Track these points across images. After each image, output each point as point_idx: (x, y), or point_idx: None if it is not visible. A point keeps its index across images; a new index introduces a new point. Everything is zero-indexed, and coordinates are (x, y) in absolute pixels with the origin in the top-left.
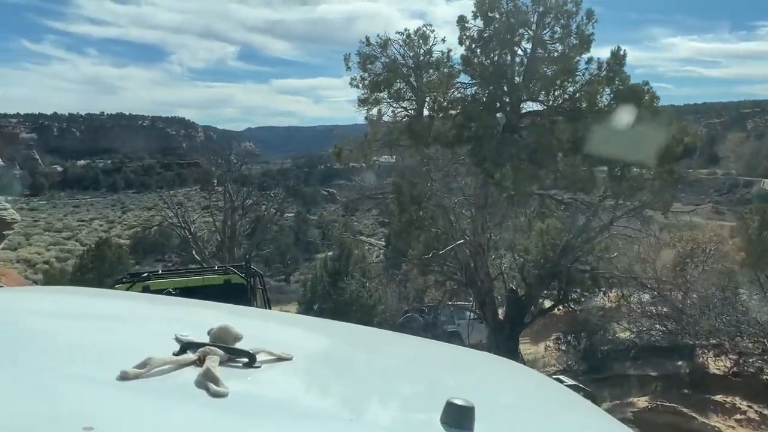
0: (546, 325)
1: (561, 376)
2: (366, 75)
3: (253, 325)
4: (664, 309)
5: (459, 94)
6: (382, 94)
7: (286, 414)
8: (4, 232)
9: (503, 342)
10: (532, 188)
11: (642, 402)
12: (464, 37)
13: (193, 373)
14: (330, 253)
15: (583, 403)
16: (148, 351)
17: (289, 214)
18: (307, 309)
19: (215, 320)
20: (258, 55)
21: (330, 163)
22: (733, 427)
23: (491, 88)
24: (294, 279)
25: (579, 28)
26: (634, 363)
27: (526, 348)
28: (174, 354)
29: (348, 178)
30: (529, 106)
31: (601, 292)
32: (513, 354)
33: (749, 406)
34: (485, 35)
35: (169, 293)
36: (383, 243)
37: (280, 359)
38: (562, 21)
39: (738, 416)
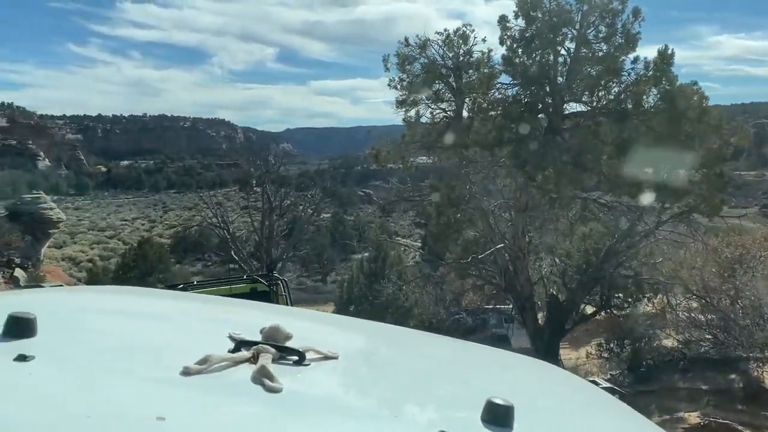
0: (586, 330)
1: (596, 379)
2: (404, 76)
3: (301, 324)
4: (713, 318)
5: (500, 95)
6: (420, 95)
7: (335, 410)
8: (50, 231)
9: (543, 348)
10: (575, 191)
11: (693, 418)
12: (505, 37)
13: (248, 369)
14: (366, 254)
15: (618, 406)
16: (204, 348)
17: (325, 215)
18: (343, 310)
19: (263, 320)
20: (296, 56)
21: (367, 164)
22: None
23: (533, 88)
24: (330, 279)
25: (625, 27)
26: (683, 375)
27: (565, 353)
28: (229, 351)
29: (385, 180)
30: (572, 108)
31: (645, 299)
32: (553, 361)
33: None
34: (527, 35)
35: None
36: (419, 244)
37: (327, 358)
38: (608, 20)
39: None
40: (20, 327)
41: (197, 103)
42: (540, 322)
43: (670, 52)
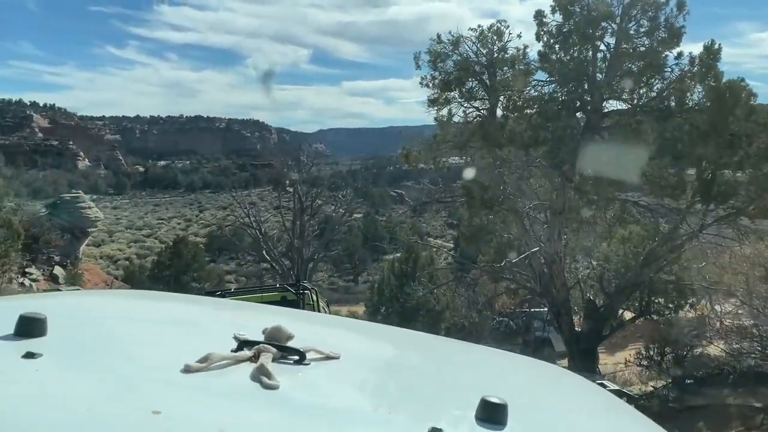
0: (623, 336)
1: (604, 381)
2: (437, 74)
3: (305, 326)
4: (762, 327)
5: (535, 93)
6: (453, 93)
7: (330, 407)
8: (89, 230)
9: (579, 355)
10: (614, 193)
11: None
12: (542, 32)
13: (249, 368)
14: (398, 255)
15: (622, 407)
16: (209, 349)
17: (357, 215)
18: (374, 311)
19: (271, 322)
20: (329, 57)
21: (399, 165)
22: None
23: (570, 85)
24: (362, 280)
25: (668, 21)
26: (733, 390)
27: (600, 358)
28: (232, 351)
29: (417, 180)
30: (612, 105)
31: (687, 305)
32: (590, 369)
33: None
34: (564, 30)
35: None
36: (451, 245)
37: (328, 358)
38: (650, 13)
39: None
40: (31, 327)
41: (232, 104)
42: (576, 327)
43: (716, 47)
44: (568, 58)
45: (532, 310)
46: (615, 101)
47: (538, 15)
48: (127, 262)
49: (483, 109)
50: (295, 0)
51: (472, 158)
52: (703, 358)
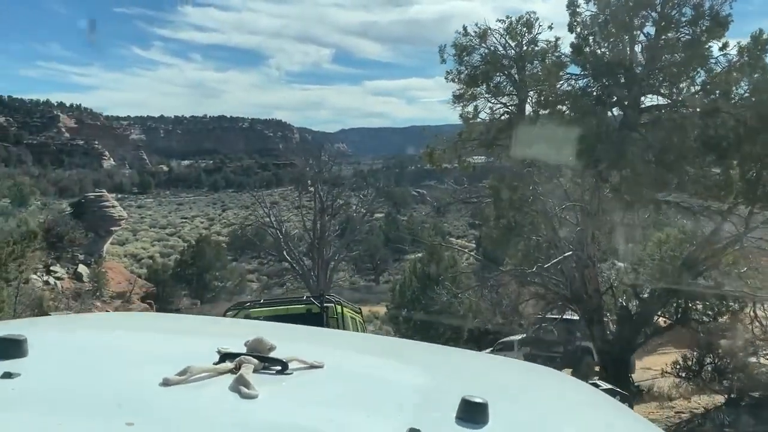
0: (659, 343)
1: (597, 380)
2: (462, 68)
3: (290, 337)
4: None
5: (568, 87)
6: (479, 89)
7: (310, 414)
8: (112, 228)
9: (612, 364)
10: (656, 194)
11: None
12: (575, 23)
13: (229, 379)
14: (420, 255)
15: (610, 403)
16: (192, 363)
17: (378, 215)
18: (395, 314)
19: (255, 335)
20: (351, 57)
21: (420, 164)
22: None
23: (606, 79)
24: (383, 279)
25: (713, 9)
26: None
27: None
28: (214, 364)
29: (439, 179)
30: (651, 100)
31: (729, 312)
32: (623, 378)
33: None
34: (600, 20)
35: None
36: (473, 245)
37: (312, 367)
38: (694, 0)
39: None
40: (10, 348)
41: (255, 104)
42: (609, 336)
43: (765, 37)
44: (604, 50)
45: (566, 317)
46: (654, 96)
47: (571, 4)
48: (151, 261)
49: (511, 105)
50: (317, 0)
51: (498, 157)
52: (747, 366)
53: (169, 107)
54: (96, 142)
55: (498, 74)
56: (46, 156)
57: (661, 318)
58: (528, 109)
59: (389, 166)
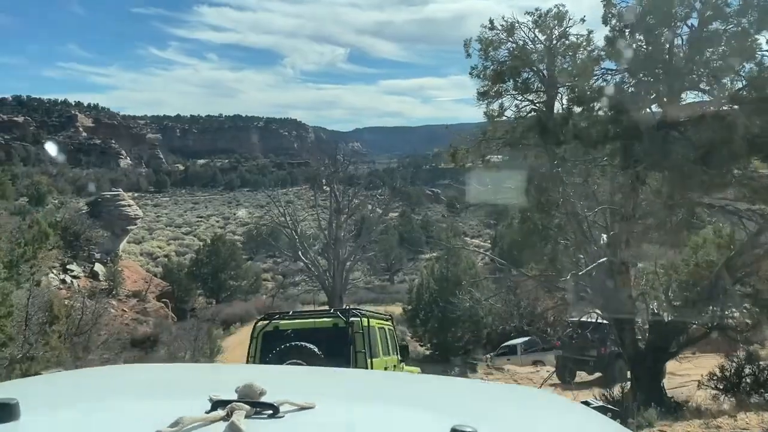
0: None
1: (589, 399)
2: (488, 63)
3: (279, 379)
4: None
5: (603, 83)
6: (506, 85)
7: None
8: (128, 227)
9: (644, 374)
10: (700, 197)
11: None
12: (609, 14)
13: (222, 427)
14: (435, 254)
15: (602, 423)
16: (184, 413)
17: (393, 214)
18: (413, 317)
19: (245, 380)
20: (366, 56)
21: (435, 163)
22: None
23: (643, 74)
24: (398, 279)
25: None
26: None
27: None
28: (206, 412)
29: (453, 178)
30: (692, 97)
31: None
32: (656, 389)
33: None
34: (638, 11)
35: (288, 336)
36: (488, 245)
37: (302, 408)
38: None
39: None
40: (2, 412)
41: (270, 104)
42: (641, 345)
43: None
44: (642, 43)
45: (585, 320)
46: (696, 92)
47: None
48: (166, 260)
49: (538, 102)
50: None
51: (525, 156)
52: None
53: (185, 106)
54: (113, 142)
55: (526, 70)
56: (64, 155)
57: (695, 325)
58: (557, 106)
59: (404, 165)
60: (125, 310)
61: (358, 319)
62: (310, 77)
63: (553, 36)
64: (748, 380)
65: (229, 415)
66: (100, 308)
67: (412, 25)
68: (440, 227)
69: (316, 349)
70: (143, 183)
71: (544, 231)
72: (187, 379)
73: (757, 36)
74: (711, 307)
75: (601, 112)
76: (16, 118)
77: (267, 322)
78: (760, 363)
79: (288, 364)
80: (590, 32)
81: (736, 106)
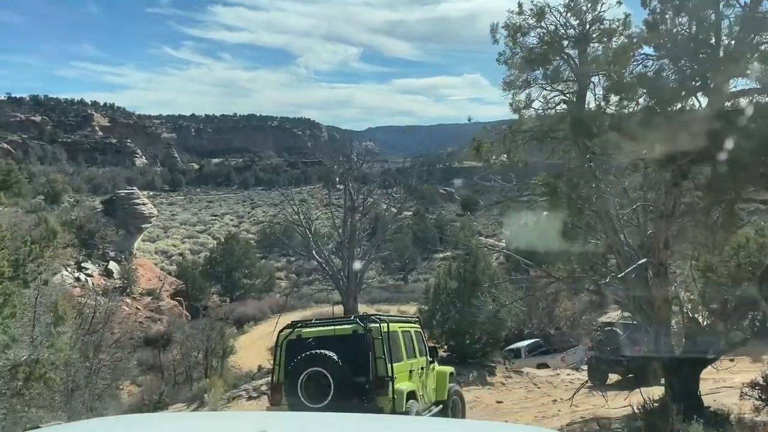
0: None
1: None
2: (516, 50)
3: (288, 424)
4: None
5: (643, 70)
6: (535, 73)
7: None
8: (142, 226)
9: (679, 383)
10: (757, 191)
11: None
12: None
13: None
14: (450, 254)
15: None
16: None
17: (407, 213)
18: (429, 318)
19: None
20: (379, 56)
21: (449, 162)
22: None
23: (685, 60)
24: (412, 278)
25: None
26: None
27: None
28: None
29: (467, 177)
30: (743, 84)
31: None
32: (694, 398)
33: None
34: None
35: (310, 344)
36: (503, 245)
37: None
38: None
39: None
40: None
41: (284, 103)
42: (676, 351)
43: None
44: (684, 26)
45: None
46: (744, 79)
47: None
48: (181, 258)
49: (568, 92)
50: None
51: (554, 151)
52: None
53: (200, 106)
54: (128, 141)
55: (556, 58)
56: (80, 154)
57: (736, 330)
58: (588, 96)
59: (417, 164)
60: (139, 308)
61: (377, 325)
62: (323, 76)
63: (587, 20)
64: None
65: None
66: (113, 306)
67: (425, 24)
68: (455, 226)
69: (335, 357)
70: (158, 182)
71: (573, 230)
72: (194, 429)
73: None
74: (752, 312)
75: (642, 100)
76: (33, 118)
77: (290, 330)
78: None
79: (308, 372)
80: (627, 15)
81: None
